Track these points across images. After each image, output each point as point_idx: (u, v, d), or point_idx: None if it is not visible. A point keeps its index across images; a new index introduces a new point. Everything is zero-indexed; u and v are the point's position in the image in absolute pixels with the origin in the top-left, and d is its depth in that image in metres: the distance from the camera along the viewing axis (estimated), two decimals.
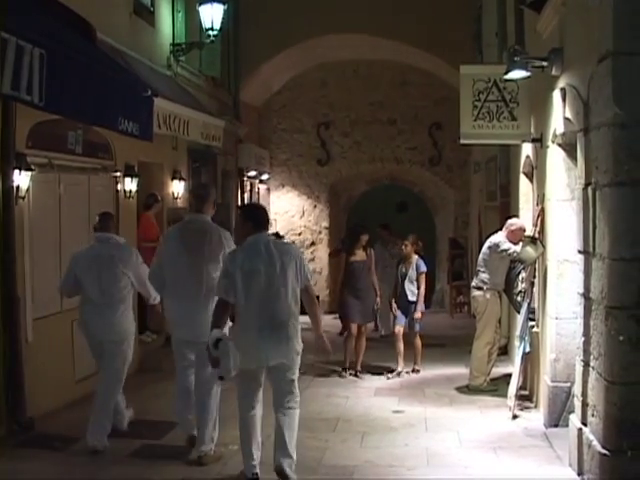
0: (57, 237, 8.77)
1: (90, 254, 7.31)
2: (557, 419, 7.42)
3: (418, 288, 10.55)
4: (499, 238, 9.42)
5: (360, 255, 10.73)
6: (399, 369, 10.54)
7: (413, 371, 10.63)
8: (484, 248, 9.63)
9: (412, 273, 10.54)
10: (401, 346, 10.57)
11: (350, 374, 10.51)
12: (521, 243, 8.67)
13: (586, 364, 5.88)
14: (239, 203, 15.88)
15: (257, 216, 6.16)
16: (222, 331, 5.89)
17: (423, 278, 10.59)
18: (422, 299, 10.54)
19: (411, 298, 10.53)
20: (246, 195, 16.61)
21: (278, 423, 6.12)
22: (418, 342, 10.68)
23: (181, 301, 6.65)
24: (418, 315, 10.50)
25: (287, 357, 5.98)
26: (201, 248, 6.59)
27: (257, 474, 6.12)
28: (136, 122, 8.11)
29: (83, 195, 9.40)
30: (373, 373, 10.68)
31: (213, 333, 5.81)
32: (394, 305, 10.70)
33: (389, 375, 10.48)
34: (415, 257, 10.66)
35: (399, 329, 10.62)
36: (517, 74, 7.54)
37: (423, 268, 10.59)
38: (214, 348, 5.77)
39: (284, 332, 5.91)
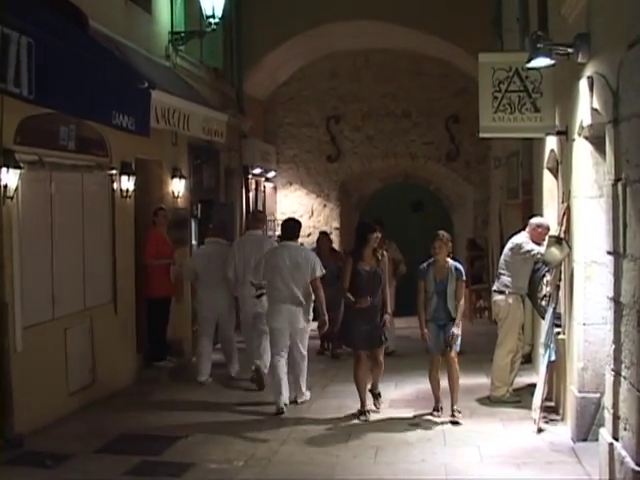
0: (49, 239, 8.74)
1: (205, 252, 10.96)
2: (586, 433, 7.34)
3: (459, 304, 8.75)
4: (522, 238, 9.36)
5: (370, 261, 8.94)
6: (441, 405, 8.87)
7: (453, 419, 8.62)
8: (506, 249, 9.57)
9: (452, 284, 8.74)
10: (438, 378, 8.91)
11: (368, 412, 8.96)
12: (545, 244, 8.60)
13: (617, 373, 5.81)
14: (243, 203, 15.87)
15: (283, 228, 9.69)
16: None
17: (463, 287, 8.91)
18: (462, 312, 8.80)
19: (455, 315, 8.73)
20: (251, 194, 16.57)
21: (293, 366, 9.45)
22: (456, 369, 8.80)
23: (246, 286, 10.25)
24: (458, 331, 8.69)
25: (302, 322, 9.33)
26: (260, 252, 9.96)
27: (283, 409, 9.04)
28: (132, 116, 8.12)
29: (76, 194, 9.39)
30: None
31: None
32: (426, 332, 8.76)
33: (435, 413, 8.83)
34: (450, 262, 8.88)
35: (437, 357, 8.87)
36: (540, 62, 7.47)
37: (464, 275, 8.91)
38: None
39: (300, 306, 9.23)
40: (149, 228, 11.31)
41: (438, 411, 8.83)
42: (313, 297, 9.32)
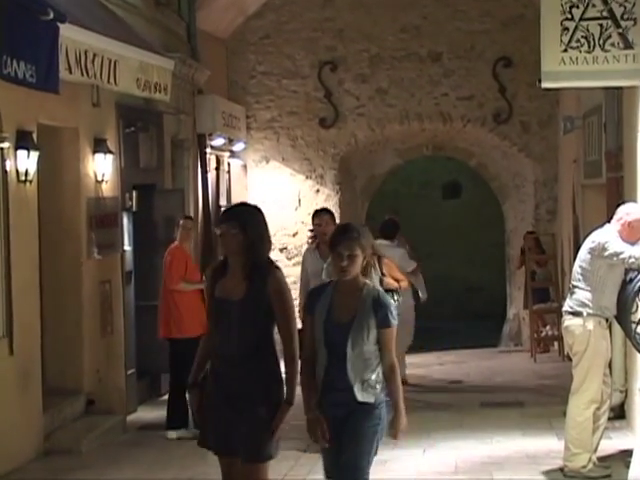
0: None
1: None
2: None
3: (388, 371, 6.41)
4: (607, 235, 9.29)
5: (238, 284, 6.58)
6: None
7: None
8: (583, 251, 9.51)
9: (363, 332, 6.35)
10: None
11: None
12: None
13: None
14: (199, 188, 15.80)
15: None
16: None
17: (392, 338, 6.46)
18: (400, 393, 6.44)
19: (361, 397, 6.35)
20: (210, 176, 16.51)
21: None
22: None
23: None
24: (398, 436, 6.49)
25: None
26: None
27: None
28: (32, 63, 8.14)
29: None
30: None
31: None
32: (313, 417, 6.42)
33: None
34: (366, 286, 6.48)
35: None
36: None
37: (392, 314, 6.46)
38: None
39: None
40: (169, 247, 11.66)
41: None
42: None
